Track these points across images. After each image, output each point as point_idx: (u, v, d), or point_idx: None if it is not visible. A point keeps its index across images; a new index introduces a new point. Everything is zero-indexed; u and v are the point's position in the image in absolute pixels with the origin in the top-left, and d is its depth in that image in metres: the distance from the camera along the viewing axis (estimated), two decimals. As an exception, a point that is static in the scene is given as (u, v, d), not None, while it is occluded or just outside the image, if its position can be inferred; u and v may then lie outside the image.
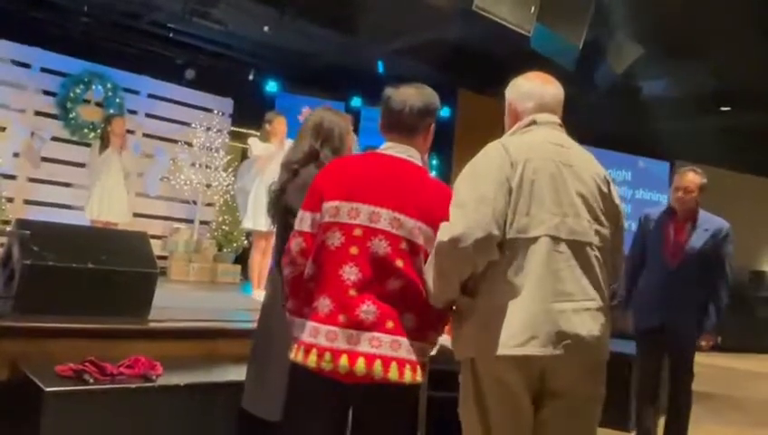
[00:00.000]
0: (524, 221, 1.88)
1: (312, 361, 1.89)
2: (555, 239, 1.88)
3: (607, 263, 2.00)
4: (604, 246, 1.98)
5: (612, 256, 2.05)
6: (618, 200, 2.08)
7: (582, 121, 9.04)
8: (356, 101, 9.31)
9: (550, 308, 1.83)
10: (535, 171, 1.92)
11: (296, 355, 1.95)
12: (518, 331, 1.82)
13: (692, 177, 3.75)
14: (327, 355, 1.88)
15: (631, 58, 6.52)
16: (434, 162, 9.52)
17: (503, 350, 1.82)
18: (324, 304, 1.92)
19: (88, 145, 7.35)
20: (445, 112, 9.56)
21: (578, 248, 1.90)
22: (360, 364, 1.86)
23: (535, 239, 1.87)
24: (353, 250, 1.93)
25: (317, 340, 1.90)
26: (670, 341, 3.74)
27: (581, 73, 6.77)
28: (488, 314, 1.88)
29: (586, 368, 1.91)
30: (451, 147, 9.23)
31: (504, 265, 1.87)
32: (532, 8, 5.31)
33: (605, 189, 2.02)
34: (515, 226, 1.88)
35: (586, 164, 2.04)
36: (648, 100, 8.93)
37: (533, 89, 2.13)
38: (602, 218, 1.99)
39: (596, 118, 9.34)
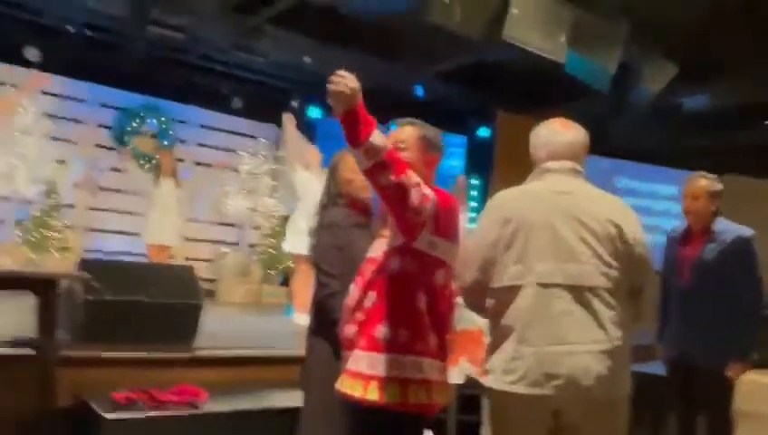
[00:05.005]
0: (515, 270, 2.02)
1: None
2: (547, 285, 1.99)
3: (623, 304, 2.04)
4: (616, 288, 2.03)
5: (633, 296, 2.09)
6: (634, 239, 2.08)
7: (626, 137, 9.09)
8: (395, 125, 9.51)
9: (538, 351, 1.96)
10: (531, 222, 2.05)
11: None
12: (510, 369, 1.98)
13: (700, 183, 3.32)
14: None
15: (667, 77, 6.53)
16: (475, 182, 9.64)
17: (499, 385, 2.00)
18: (434, 340, 2.11)
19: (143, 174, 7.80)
20: (484, 133, 9.70)
21: (577, 292, 1.99)
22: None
23: (526, 286, 2.00)
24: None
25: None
26: (693, 377, 3.27)
27: (618, 91, 6.83)
28: (492, 348, 2.07)
29: (594, 406, 1.98)
30: (491, 167, 9.33)
31: (500, 309, 2.04)
32: (563, 37, 5.41)
33: (613, 231, 2.06)
34: (507, 274, 2.03)
35: (594, 208, 2.10)
36: (690, 114, 8.88)
37: (547, 137, 2.23)
38: (612, 261, 2.03)
39: (639, 133, 9.33)
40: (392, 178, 1.94)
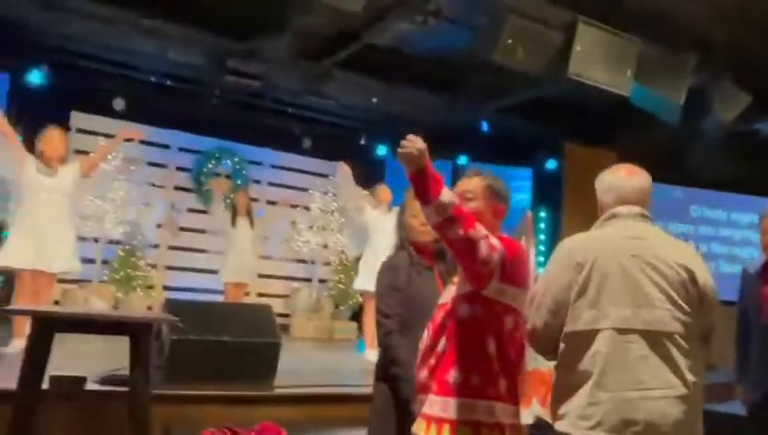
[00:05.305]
0: (590, 315, 2.05)
1: None
2: (624, 331, 2.01)
3: (696, 349, 2.06)
4: (689, 333, 2.05)
5: (703, 340, 2.11)
6: (703, 282, 2.11)
7: (700, 165, 8.87)
8: (462, 159, 9.62)
9: (615, 397, 1.97)
10: (604, 267, 2.07)
11: None
12: (587, 414, 1.99)
13: None
14: None
15: (740, 107, 6.39)
16: (542, 215, 9.60)
17: (575, 430, 2.01)
18: (505, 385, 2.17)
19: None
20: (551, 165, 9.67)
21: (654, 338, 2.01)
22: None
23: (601, 331, 2.03)
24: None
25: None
26: None
27: (690, 120, 6.73)
28: (564, 394, 2.08)
29: None
30: (558, 200, 9.27)
31: (574, 353, 2.06)
32: (629, 71, 5.41)
33: (685, 275, 2.08)
34: (582, 319, 2.06)
35: (665, 253, 2.12)
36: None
37: (614, 182, 2.27)
38: (685, 306, 2.06)
39: (714, 161, 9.09)
40: (461, 232, 2.05)
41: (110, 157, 7.31)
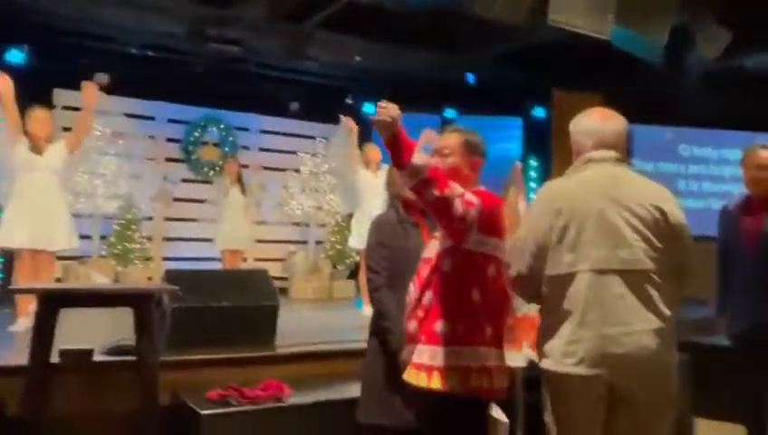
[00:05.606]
0: (570, 257, 2.16)
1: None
2: (602, 272, 2.12)
3: (670, 284, 2.18)
4: (663, 270, 2.16)
5: (677, 275, 2.22)
6: (676, 220, 2.21)
7: (687, 105, 8.88)
8: (450, 113, 9.62)
9: (596, 334, 2.10)
10: (582, 211, 2.17)
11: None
12: (570, 351, 2.12)
13: (765, 153, 3.43)
14: None
15: (723, 44, 6.37)
16: (533, 164, 9.66)
17: (560, 367, 2.13)
18: (490, 331, 2.29)
19: (209, 183, 8.22)
20: (539, 113, 9.69)
21: (631, 277, 2.12)
22: None
23: (580, 273, 2.14)
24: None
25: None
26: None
27: (674, 59, 6.73)
28: (548, 335, 2.20)
29: (649, 379, 2.13)
30: (549, 148, 9.32)
31: (556, 295, 2.18)
32: (609, 15, 5.38)
33: (658, 215, 2.19)
34: (563, 262, 2.17)
35: (640, 194, 2.22)
36: (753, 76, 8.60)
37: (590, 126, 2.34)
38: (658, 244, 2.17)
39: (700, 99, 9.10)
40: (436, 192, 2.14)
41: (98, 132, 7.33)
